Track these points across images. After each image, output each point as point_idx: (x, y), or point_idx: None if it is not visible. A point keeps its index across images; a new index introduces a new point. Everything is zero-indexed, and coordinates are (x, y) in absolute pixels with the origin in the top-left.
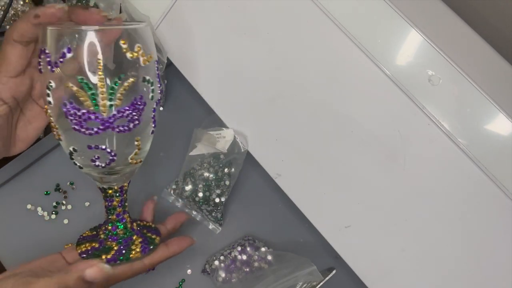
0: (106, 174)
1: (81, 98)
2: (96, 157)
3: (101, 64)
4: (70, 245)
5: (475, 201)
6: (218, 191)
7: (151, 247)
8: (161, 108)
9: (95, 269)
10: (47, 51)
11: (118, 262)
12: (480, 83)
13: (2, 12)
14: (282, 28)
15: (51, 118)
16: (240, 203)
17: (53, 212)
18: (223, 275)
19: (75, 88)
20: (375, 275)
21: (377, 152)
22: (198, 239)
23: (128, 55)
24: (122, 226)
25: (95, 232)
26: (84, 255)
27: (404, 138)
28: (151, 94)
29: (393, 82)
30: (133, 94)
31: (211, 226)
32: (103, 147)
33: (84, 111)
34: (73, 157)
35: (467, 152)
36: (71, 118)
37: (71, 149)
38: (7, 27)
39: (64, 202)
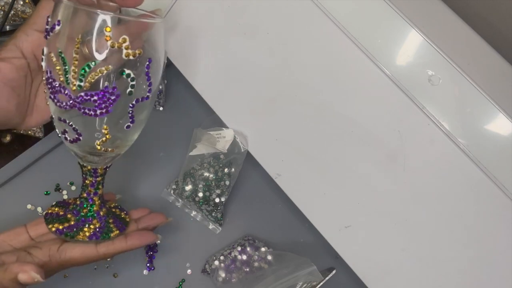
0: (88, 154)
1: (56, 69)
2: (65, 130)
3: (79, 42)
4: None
5: (475, 201)
6: (218, 191)
7: (101, 238)
8: (160, 108)
9: (26, 276)
10: (49, 19)
11: (63, 236)
12: (480, 83)
13: (2, 12)
14: (282, 28)
15: (44, 82)
16: (240, 203)
17: None
18: (223, 275)
19: (54, 59)
20: (375, 275)
21: (377, 152)
22: (198, 239)
23: (109, 43)
24: (87, 205)
25: (59, 211)
26: (46, 218)
27: (404, 138)
28: (129, 89)
29: (393, 82)
30: (105, 82)
31: (211, 226)
32: (70, 123)
33: (57, 83)
34: (54, 124)
35: (467, 152)
36: (49, 86)
37: (51, 115)
38: (7, 27)
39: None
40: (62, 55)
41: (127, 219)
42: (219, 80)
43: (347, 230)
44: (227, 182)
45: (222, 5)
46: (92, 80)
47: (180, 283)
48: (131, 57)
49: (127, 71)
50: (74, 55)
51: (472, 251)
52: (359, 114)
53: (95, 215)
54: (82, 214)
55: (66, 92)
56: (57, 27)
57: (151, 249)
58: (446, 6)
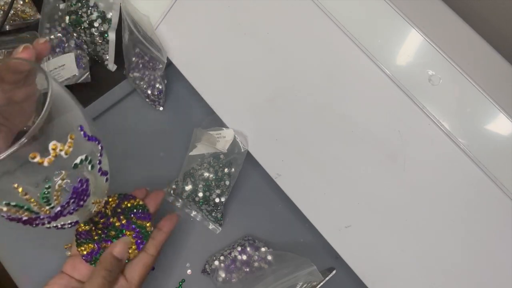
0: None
1: (13, 212)
2: (60, 226)
3: (19, 187)
4: (69, 245)
5: (475, 201)
6: (218, 191)
7: (145, 240)
8: (161, 108)
9: None
10: None
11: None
12: (480, 83)
13: (1, 12)
14: (282, 28)
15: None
16: (240, 203)
17: None
18: (223, 275)
19: (5, 209)
20: (375, 275)
21: (377, 152)
22: (198, 239)
23: (46, 163)
24: (109, 229)
25: (87, 227)
26: (87, 259)
27: (404, 138)
28: (89, 166)
29: (393, 82)
30: (70, 184)
31: (211, 226)
32: (62, 224)
33: (24, 218)
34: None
35: (467, 152)
36: (17, 222)
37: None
38: (7, 27)
39: None
40: (12, 203)
41: (140, 203)
42: (219, 80)
43: (347, 230)
44: (227, 182)
45: (222, 5)
46: (59, 196)
47: (180, 283)
48: (71, 149)
49: (78, 160)
50: (25, 197)
51: (472, 251)
52: (359, 114)
53: (123, 229)
54: (114, 236)
55: (41, 218)
56: None
57: None
58: (446, 6)
